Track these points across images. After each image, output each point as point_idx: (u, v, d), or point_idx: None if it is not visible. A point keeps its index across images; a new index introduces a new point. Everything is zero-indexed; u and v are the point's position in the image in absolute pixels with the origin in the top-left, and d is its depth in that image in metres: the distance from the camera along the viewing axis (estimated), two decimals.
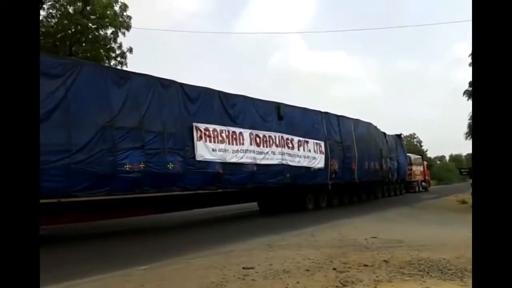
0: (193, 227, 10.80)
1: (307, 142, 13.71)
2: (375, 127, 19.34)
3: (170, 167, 9.09)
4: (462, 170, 25.17)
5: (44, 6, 15.90)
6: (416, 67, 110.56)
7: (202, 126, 10.14)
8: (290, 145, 12.96)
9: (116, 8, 16.48)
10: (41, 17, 15.86)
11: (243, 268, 4.80)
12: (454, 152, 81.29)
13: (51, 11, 16.47)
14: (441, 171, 61.88)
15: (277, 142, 12.47)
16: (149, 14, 67.41)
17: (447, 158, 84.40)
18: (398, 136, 23.76)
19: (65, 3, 16.30)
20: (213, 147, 10.31)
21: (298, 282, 4.09)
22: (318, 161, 14.06)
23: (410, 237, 7.35)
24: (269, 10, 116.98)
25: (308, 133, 13.90)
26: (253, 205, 14.98)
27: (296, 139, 13.23)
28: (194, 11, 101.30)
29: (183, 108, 9.85)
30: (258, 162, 11.56)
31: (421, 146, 65.10)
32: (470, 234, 2.05)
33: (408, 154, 27.02)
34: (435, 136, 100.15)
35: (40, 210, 6.46)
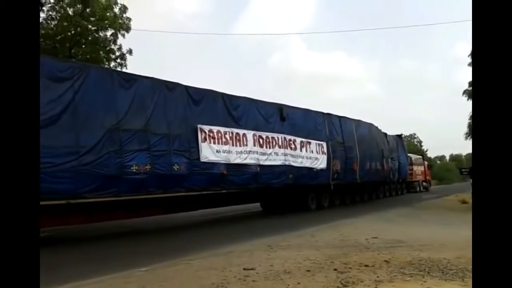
0: (194, 228, 10.85)
1: (309, 143, 13.81)
2: (376, 127, 19.46)
3: (176, 169, 9.20)
4: (463, 170, 25.29)
5: (44, 8, 15.92)
6: (416, 67, 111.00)
7: (206, 127, 10.24)
8: (292, 146, 13.06)
9: (116, 10, 16.56)
10: (40, 19, 15.88)
11: (244, 269, 4.80)
12: (454, 152, 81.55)
13: (50, 13, 16.52)
14: (441, 171, 61.99)
15: (280, 143, 12.57)
16: (148, 15, 67.58)
17: (447, 158, 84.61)
18: (399, 136, 23.90)
19: (65, 5, 16.36)
20: (217, 148, 10.41)
21: (299, 283, 4.08)
22: (321, 162, 14.16)
23: (411, 237, 7.36)
24: (268, 11, 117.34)
25: (310, 134, 14.00)
26: (255, 206, 15.03)
27: (298, 140, 13.32)
28: (194, 13, 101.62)
29: (187, 110, 9.96)
30: (261, 163, 11.66)
31: (421, 146, 65.21)
32: (471, 234, 2.05)
33: (409, 154, 27.13)
34: (435, 136, 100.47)
35: (50, 211, 6.59)
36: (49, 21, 16.54)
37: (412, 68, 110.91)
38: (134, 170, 8.30)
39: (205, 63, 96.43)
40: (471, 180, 13.65)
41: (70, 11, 16.33)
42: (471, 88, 16.31)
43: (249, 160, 11.31)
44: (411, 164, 26.85)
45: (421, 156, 33.58)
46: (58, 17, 16.51)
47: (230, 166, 10.66)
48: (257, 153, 11.62)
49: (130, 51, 17.11)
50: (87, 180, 7.56)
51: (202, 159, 9.91)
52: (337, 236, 7.72)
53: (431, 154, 67.75)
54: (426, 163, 33.15)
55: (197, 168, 9.78)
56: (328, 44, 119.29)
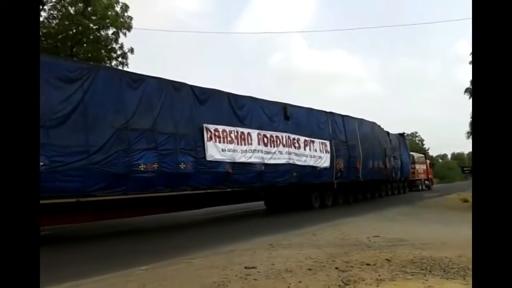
0: (195, 226, 10.88)
1: (313, 141, 13.93)
2: (379, 126, 19.54)
3: (182, 167, 9.33)
4: (465, 169, 25.30)
5: (45, 7, 15.96)
6: (418, 65, 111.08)
7: (212, 127, 10.37)
8: (296, 144, 13.17)
9: (117, 8, 16.56)
10: (42, 18, 15.96)
11: (245, 267, 4.77)
12: (456, 151, 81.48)
13: (52, 12, 16.55)
14: (443, 169, 61.90)
15: (284, 142, 12.69)
16: (150, 14, 67.68)
17: (449, 156, 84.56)
18: (401, 135, 23.98)
19: (66, 4, 16.39)
20: (222, 147, 10.54)
21: (300, 282, 4.07)
22: (324, 160, 14.28)
23: (413, 236, 7.35)
24: (269, 10, 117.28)
25: (314, 133, 14.11)
26: (256, 205, 15.07)
27: (302, 138, 13.44)
28: (195, 12, 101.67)
29: (193, 109, 10.08)
30: (266, 161, 11.78)
31: (423, 144, 65.21)
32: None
33: (411, 153, 27.18)
34: (437, 134, 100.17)
35: (59, 209, 6.73)
36: (50, 20, 16.59)
37: (413, 66, 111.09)
38: (142, 169, 8.44)
39: (206, 62, 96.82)
40: None
41: (72, 10, 16.37)
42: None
43: (254, 158, 11.43)
44: (413, 162, 26.91)
45: (423, 155, 33.64)
46: (59, 16, 16.54)
47: (235, 165, 10.78)
48: (262, 152, 11.74)
49: (131, 50, 17.15)
50: (96, 178, 7.70)
51: (208, 158, 10.04)
52: (338, 234, 7.75)
53: (432, 152, 67.81)
54: (428, 161, 33.21)
55: (203, 167, 9.91)
56: (329, 42, 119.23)
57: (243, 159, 11.06)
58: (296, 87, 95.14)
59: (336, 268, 4.61)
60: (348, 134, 16.03)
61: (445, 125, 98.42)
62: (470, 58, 18.97)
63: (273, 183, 12.32)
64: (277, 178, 12.26)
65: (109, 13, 16.17)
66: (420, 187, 28.57)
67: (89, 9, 16.13)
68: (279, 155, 12.36)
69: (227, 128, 10.81)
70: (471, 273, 4.05)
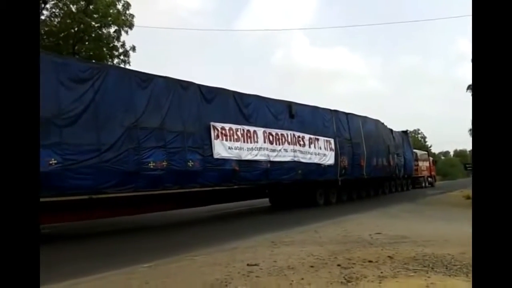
0: (198, 224, 10.93)
1: (317, 139, 14.05)
2: (383, 124, 19.63)
3: (190, 165, 9.47)
4: (467, 166, 25.28)
5: (47, 6, 16.09)
6: (420, 62, 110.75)
7: (218, 125, 10.49)
8: (301, 142, 13.29)
9: (119, 6, 16.67)
10: (44, 17, 16.12)
11: (248, 265, 4.77)
12: (459, 148, 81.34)
13: (54, 10, 16.65)
14: (446, 166, 61.95)
15: (289, 140, 12.81)
16: (152, 12, 67.67)
17: (452, 153, 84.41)
18: (405, 132, 24.08)
19: (68, 2, 16.47)
20: (229, 145, 10.67)
21: (302, 279, 4.05)
22: (329, 158, 14.40)
23: (415, 233, 7.36)
24: (271, 7, 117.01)
25: (318, 130, 14.22)
26: (260, 202, 15.11)
27: (307, 136, 13.56)
28: (197, 9, 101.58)
29: (200, 108, 10.20)
30: (271, 159, 11.90)
31: (425, 141, 65.24)
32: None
33: (415, 150, 27.26)
34: (439, 131, 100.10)
35: (73, 206, 6.89)
36: (52, 18, 16.68)
37: (415, 63, 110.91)
38: (152, 167, 8.58)
39: (208, 59, 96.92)
40: None
41: (73, 8, 16.48)
42: None
43: (260, 156, 11.56)
44: (417, 160, 26.98)
45: (426, 152, 33.71)
46: (61, 14, 16.62)
47: (242, 163, 10.91)
48: (267, 150, 11.86)
49: (133, 48, 17.26)
50: (108, 176, 7.84)
51: (215, 156, 10.18)
52: (340, 232, 7.78)
53: (435, 149, 67.79)
54: (431, 159, 33.29)
55: (210, 165, 10.04)
56: (331, 39, 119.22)
57: (249, 157, 11.18)
58: (298, 85, 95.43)
59: (338, 265, 4.61)
60: (352, 132, 16.14)
61: (447, 122, 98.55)
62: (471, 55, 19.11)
63: (279, 181, 12.44)
64: (282, 176, 12.39)
65: (111, 11, 16.29)
66: (423, 184, 28.67)
67: (90, 7, 16.22)
68: (284, 153, 12.48)
69: (234, 126, 10.94)
70: None
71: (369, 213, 11.86)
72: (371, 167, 17.22)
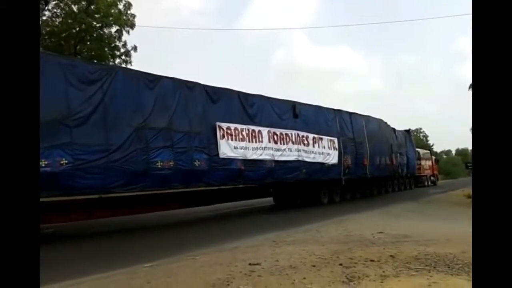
0: (200, 223, 10.93)
1: (321, 139, 14.14)
2: (385, 123, 19.73)
3: (197, 164, 9.59)
4: (469, 165, 25.29)
5: (49, 7, 16.13)
6: (421, 60, 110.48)
7: (224, 125, 10.60)
8: (305, 142, 13.39)
9: (120, 6, 16.70)
10: (45, 17, 16.20)
11: (250, 264, 4.76)
12: (461, 147, 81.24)
13: (55, 10, 16.69)
14: (448, 165, 61.82)
15: (294, 139, 12.91)
16: (153, 11, 67.79)
17: (453, 152, 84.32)
18: (407, 131, 24.20)
19: (70, 2, 16.50)
20: (234, 145, 10.78)
21: (304, 278, 4.04)
22: (332, 157, 14.50)
23: (417, 232, 7.34)
24: (272, 6, 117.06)
25: (322, 130, 14.32)
26: (262, 201, 15.15)
27: (311, 136, 13.66)
28: (198, 9, 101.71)
29: (206, 108, 10.31)
30: (276, 158, 12.00)
31: (427, 140, 65.15)
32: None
33: (417, 149, 27.35)
34: (441, 130, 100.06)
35: (82, 205, 7.02)
36: (54, 19, 16.72)
37: (417, 62, 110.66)
38: (159, 166, 8.70)
39: (209, 59, 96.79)
40: None
41: (75, 8, 16.51)
42: None
43: (265, 156, 11.66)
44: (419, 159, 27.06)
45: (428, 151, 33.76)
46: (62, 15, 16.65)
47: (247, 162, 11.01)
48: (272, 149, 11.96)
49: (135, 48, 17.29)
50: (116, 175, 7.96)
51: (221, 155, 10.29)
52: (342, 231, 7.78)
53: (437, 148, 67.76)
54: (433, 157, 33.35)
55: (216, 164, 10.15)
56: (332, 38, 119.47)
57: (254, 156, 11.29)
58: (300, 84, 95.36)
59: (340, 264, 4.61)
60: (355, 131, 16.24)
61: (449, 120, 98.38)
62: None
63: (283, 180, 12.54)
64: (286, 175, 12.49)
65: (112, 11, 16.34)
66: (426, 183, 28.71)
67: (92, 7, 16.26)
68: (288, 152, 12.58)
69: (239, 126, 11.05)
70: None
71: (371, 212, 11.88)
72: (374, 166, 17.32)
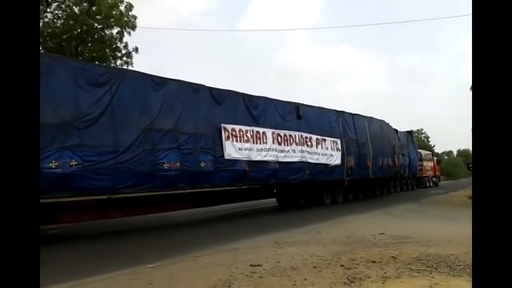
0: (201, 224, 10.94)
1: (324, 140, 14.24)
2: (388, 124, 19.80)
3: (203, 166, 9.70)
4: (471, 165, 25.24)
5: (50, 8, 16.13)
6: (423, 61, 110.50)
7: (229, 126, 10.71)
8: (309, 143, 13.48)
9: (122, 8, 16.70)
10: (47, 19, 16.24)
11: (251, 265, 4.76)
12: (462, 147, 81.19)
13: (57, 12, 16.73)
14: (449, 166, 61.68)
15: (297, 141, 13.00)
16: (154, 12, 68.07)
17: (455, 153, 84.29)
18: (409, 132, 24.29)
19: (71, 4, 16.52)
20: (239, 146, 10.88)
21: (305, 279, 4.04)
22: (335, 158, 14.58)
23: (418, 233, 7.35)
24: (274, 7, 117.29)
25: (325, 131, 14.41)
26: (265, 202, 15.17)
27: (314, 137, 13.76)
28: (200, 10, 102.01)
29: (211, 110, 10.42)
30: (280, 159, 12.09)
31: (428, 141, 65.15)
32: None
33: (419, 150, 27.43)
34: (443, 131, 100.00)
35: (91, 206, 7.16)
36: (55, 20, 16.75)
37: (419, 62, 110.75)
38: (166, 167, 8.82)
39: (210, 60, 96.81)
40: None
41: (76, 10, 16.51)
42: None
43: (269, 157, 11.75)
44: (421, 160, 27.13)
45: (430, 152, 33.83)
46: (64, 16, 16.69)
47: (252, 163, 11.11)
48: (276, 151, 12.05)
49: (136, 49, 17.31)
50: (125, 176, 8.07)
51: (226, 157, 10.39)
52: (344, 232, 7.77)
53: (438, 149, 67.67)
54: (435, 158, 33.41)
55: (222, 165, 10.25)
56: (334, 39, 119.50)
57: (258, 158, 11.38)
58: (302, 84, 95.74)
59: (342, 265, 4.61)
60: (358, 133, 16.33)
61: (450, 121, 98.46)
62: None
63: (287, 181, 12.63)
64: (290, 176, 12.57)
65: (114, 12, 16.35)
66: (428, 184, 28.76)
67: (93, 8, 16.27)
68: (292, 154, 12.67)
69: (244, 128, 11.15)
70: None
71: (373, 213, 11.90)
72: (377, 167, 17.39)
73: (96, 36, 17.08)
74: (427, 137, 66.64)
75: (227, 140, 10.59)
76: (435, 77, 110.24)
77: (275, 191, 14.78)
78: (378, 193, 19.37)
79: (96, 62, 15.12)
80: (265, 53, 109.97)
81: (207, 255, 5.68)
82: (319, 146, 13.94)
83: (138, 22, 17.05)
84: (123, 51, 17.32)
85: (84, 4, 16.26)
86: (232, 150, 10.65)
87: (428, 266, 4.49)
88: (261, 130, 11.71)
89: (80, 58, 15.89)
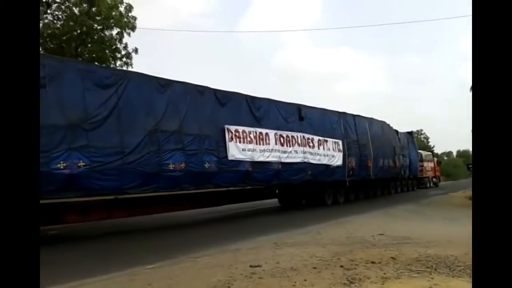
0: (201, 225, 10.91)
1: (326, 141, 14.35)
2: (388, 125, 19.91)
3: (207, 166, 9.81)
4: (470, 166, 25.28)
5: (49, 10, 16.11)
6: (422, 62, 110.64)
7: (232, 128, 10.82)
8: (311, 144, 13.59)
9: (121, 9, 16.71)
10: (47, 20, 16.21)
11: (250, 266, 4.76)
12: (462, 148, 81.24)
13: (56, 13, 16.72)
14: (449, 167, 61.57)
15: (299, 142, 13.11)
16: (154, 13, 68.10)
17: (455, 154, 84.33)
18: (410, 133, 24.38)
19: (71, 5, 16.52)
20: (243, 147, 10.99)
21: (305, 280, 4.04)
22: (337, 159, 14.70)
23: (418, 234, 7.34)
24: (273, 8, 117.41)
25: (327, 132, 14.53)
26: (268, 202, 15.22)
27: (316, 138, 13.86)
28: (199, 11, 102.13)
29: (215, 111, 10.54)
30: (282, 160, 12.20)
31: (428, 142, 65.20)
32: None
33: (420, 151, 27.53)
34: (442, 131, 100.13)
35: (98, 206, 7.30)
36: (55, 21, 16.75)
37: (418, 63, 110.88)
38: (171, 168, 8.93)
39: (210, 61, 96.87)
40: None
41: (76, 11, 16.51)
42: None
43: (272, 158, 11.86)
44: (422, 160, 27.21)
45: (430, 153, 33.94)
46: (64, 17, 16.71)
47: (255, 164, 11.21)
48: (279, 151, 12.16)
49: (136, 50, 17.31)
50: (131, 177, 8.17)
51: (230, 158, 10.49)
52: (343, 233, 7.77)
53: (437, 150, 67.67)
54: (435, 159, 33.51)
55: (225, 166, 10.36)
56: (334, 40, 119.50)
57: (261, 158, 11.48)
58: (302, 85, 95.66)
59: (341, 266, 4.61)
60: (359, 134, 16.43)
61: (450, 122, 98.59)
62: None
63: (289, 181, 12.73)
64: (292, 176, 12.67)
65: (113, 13, 16.35)
66: (428, 185, 28.83)
67: (93, 9, 16.27)
68: (294, 154, 12.79)
69: (247, 129, 11.26)
70: None
71: (373, 214, 11.94)
72: (378, 168, 17.49)
73: (96, 37, 17.06)
74: (426, 138, 66.66)
75: (231, 141, 10.69)
76: (434, 78, 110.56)
77: (277, 191, 14.88)
78: (379, 193, 19.46)
79: (96, 63, 15.17)
80: (265, 54, 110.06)
81: (207, 256, 5.70)
82: (321, 147, 14.04)
83: (138, 23, 17.09)
84: (123, 52, 17.33)
85: (84, 5, 16.27)
86: (236, 151, 10.76)
87: (427, 267, 4.50)
88: (264, 131, 11.81)
89: (80, 59, 15.84)
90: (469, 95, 20.19)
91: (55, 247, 6.85)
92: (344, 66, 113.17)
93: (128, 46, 17.27)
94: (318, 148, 13.90)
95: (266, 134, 11.90)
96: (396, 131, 20.93)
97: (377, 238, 6.89)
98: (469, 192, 19.00)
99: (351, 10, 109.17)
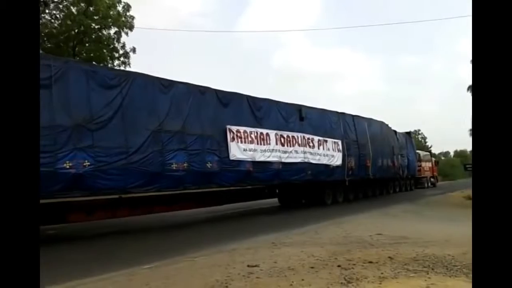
0: (198, 225, 10.88)
1: (326, 141, 14.47)
2: (387, 125, 20.05)
3: (209, 166, 9.92)
4: (467, 166, 25.56)
5: (47, 9, 16.14)
6: (420, 62, 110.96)
7: (234, 128, 10.92)
8: (311, 144, 13.71)
9: (119, 8, 16.73)
10: (44, 19, 16.17)
11: (248, 266, 4.75)
12: (459, 148, 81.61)
13: (54, 12, 16.74)
14: (446, 167, 61.99)
15: (300, 142, 13.23)
16: (152, 13, 68.02)
17: (452, 154, 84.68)
18: (408, 133, 24.60)
19: (69, 4, 16.53)
20: (244, 147, 11.09)
21: (303, 280, 4.04)
22: (336, 159, 14.82)
23: (415, 234, 7.35)
24: (272, 8, 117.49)
25: (326, 132, 14.64)
26: (268, 202, 15.29)
27: (316, 138, 13.98)
28: (198, 11, 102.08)
29: (217, 112, 10.64)
30: (283, 160, 12.31)
31: (425, 142, 65.53)
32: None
33: (418, 151, 27.70)
34: (440, 131, 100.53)
35: (103, 205, 7.42)
36: (53, 21, 16.76)
37: (416, 63, 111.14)
38: (174, 168, 9.03)
39: (209, 61, 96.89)
40: None
41: (74, 10, 16.51)
42: None
43: (272, 158, 11.97)
44: (420, 160, 27.40)
45: (428, 153, 34.16)
46: (62, 16, 16.70)
47: (256, 164, 11.31)
48: (279, 151, 12.27)
49: (133, 50, 17.32)
50: (135, 177, 8.26)
51: (231, 157, 10.59)
52: (341, 232, 7.77)
53: (435, 150, 67.94)
54: (433, 159, 33.73)
55: (227, 166, 10.46)
56: (332, 40, 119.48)
57: (262, 158, 11.59)
58: (300, 86, 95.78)
59: (339, 266, 4.61)
60: (358, 134, 16.56)
61: (447, 122, 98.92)
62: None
63: (289, 181, 12.84)
64: (293, 176, 12.78)
65: (111, 12, 16.35)
66: (426, 185, 29.01)
67: (91, 8, 16.27)
68: (295, 154, 12.90)
69: (248, 129, 11.35)
70: None
71: (371, 213, 12.00)
72: (377, 168, 17.63)
73: (93, 37, 17.04)
74: (424, 138, 67.06)
75: (232, 141, 10.80)
76: (432, 78, 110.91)
77: (277, 191, 15.00)
78: (377, 193, 19.59)
79: (94, 63, 15.13)
80: (264, 54, 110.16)
81: (204, 256, 5.70)
82: (321, 147, 14.16)
83: (136, 23, 17.08)
84: (121, 52, 17.32)
85: (82, 5, 16.27)
86: (237, 151, 10.87)
87: (425, 267, 4.51)
88: (264, 131, 11.92)
89: (78, 58, 15.82)
90: (466, 95, 20.34)
91: (53, 247, 6.88)
92: (342, 66, 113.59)
93: (126, 45, 17.32)
94: (318, 148, 14.02)
95: (267, 134, 12.02)
96: (395, 131, 21.08)
97: (375, 238, 6.91)
98: (466, 192, 19.20)
99: (350, 10, 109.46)
